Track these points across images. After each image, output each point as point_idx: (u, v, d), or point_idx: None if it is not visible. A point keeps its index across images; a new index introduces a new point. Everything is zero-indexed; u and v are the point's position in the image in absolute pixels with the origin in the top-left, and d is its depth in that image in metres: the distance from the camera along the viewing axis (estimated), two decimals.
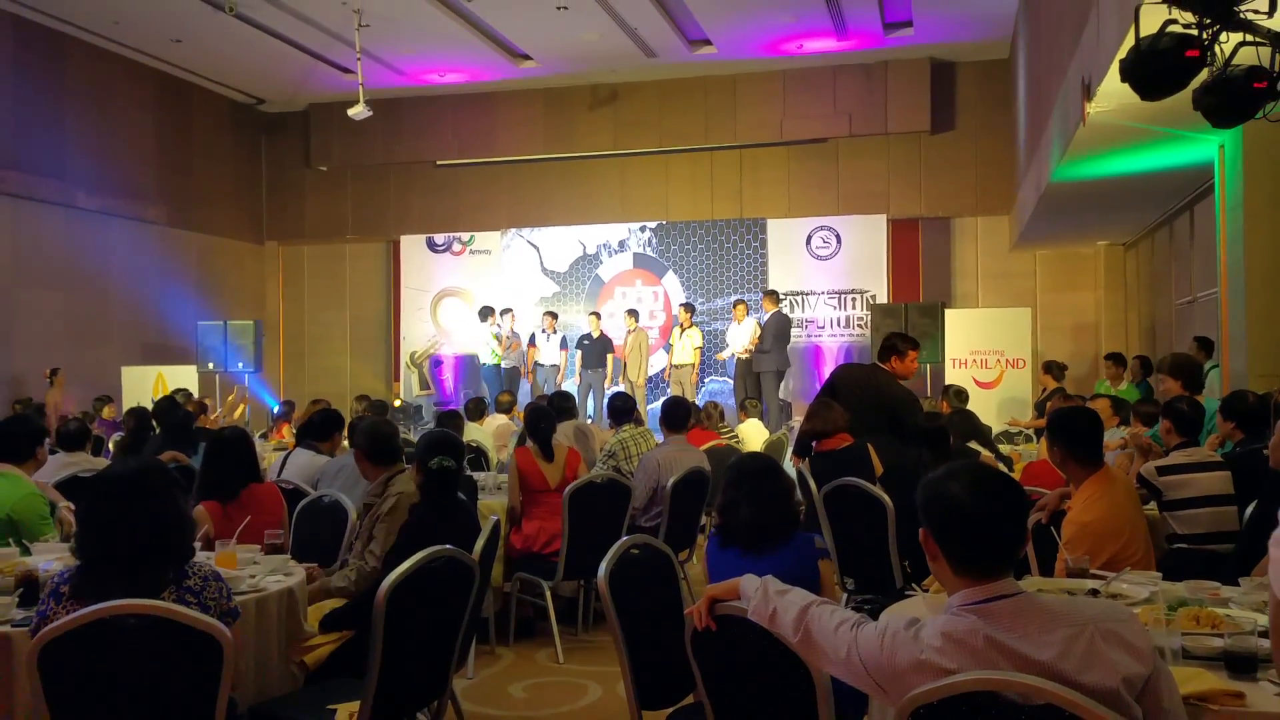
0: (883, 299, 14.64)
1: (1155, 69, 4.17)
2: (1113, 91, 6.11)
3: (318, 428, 6.21)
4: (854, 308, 15.00)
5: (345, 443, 6.60)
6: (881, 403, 6.20)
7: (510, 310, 15.02)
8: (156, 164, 15.26)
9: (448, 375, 16.28)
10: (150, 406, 9.51)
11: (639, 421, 7.56)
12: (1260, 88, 4.27)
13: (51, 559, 3.71)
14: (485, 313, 14.57)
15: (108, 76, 14.30)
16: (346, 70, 14.48)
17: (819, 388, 6.88)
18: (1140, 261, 13.86)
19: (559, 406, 8.13)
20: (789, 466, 6.60)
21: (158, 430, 7.79)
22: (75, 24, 13.24)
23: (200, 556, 3.00)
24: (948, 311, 13.18)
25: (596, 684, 5.12)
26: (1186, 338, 9.67)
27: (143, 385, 13.36)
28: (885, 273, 14.98)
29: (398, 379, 16.64)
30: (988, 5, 12.66)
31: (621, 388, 14.09)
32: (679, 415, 6.86)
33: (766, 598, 2.45)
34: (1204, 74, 4.30)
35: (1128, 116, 6.86)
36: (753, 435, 9.52)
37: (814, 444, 6.08)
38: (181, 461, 6.36)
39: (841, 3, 12.74)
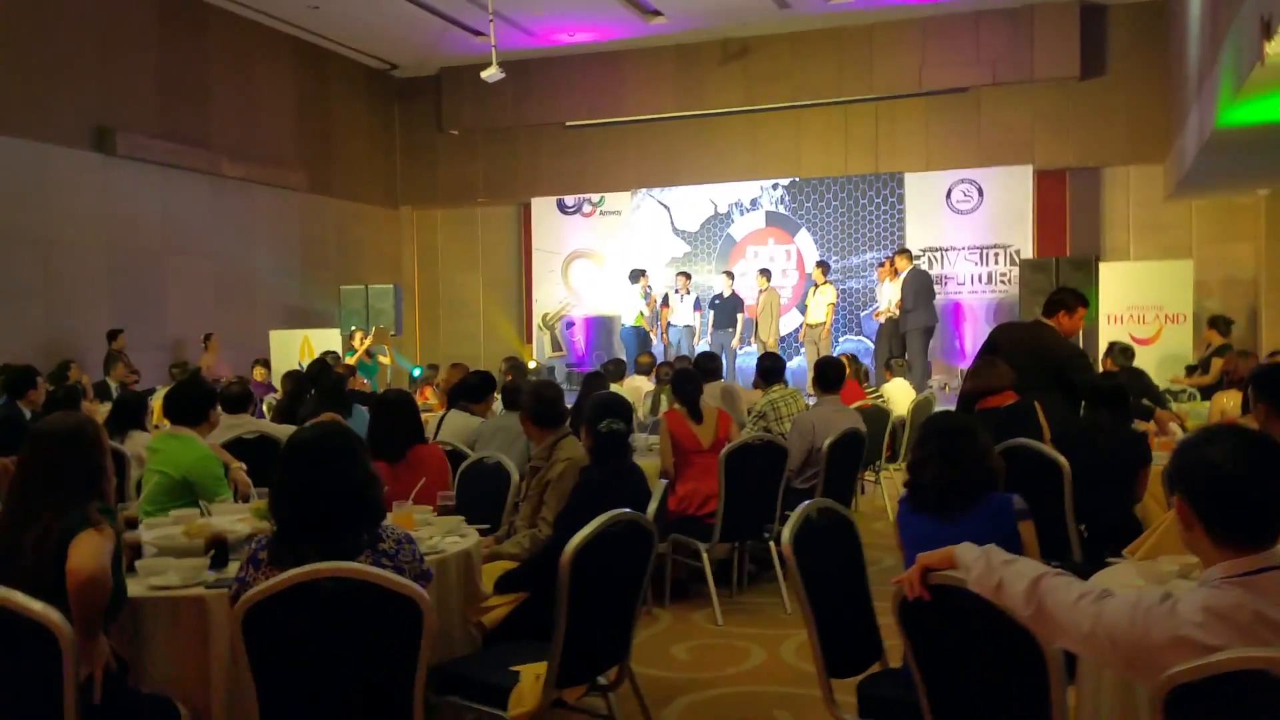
0: (1027, 253, 14.07)
1: None
2: None
3: (473, 389, 6.24)
4: (997, 263, 14.44)
5: (496, 405, 6.64)
6: (1048, 360, 5.88)
7: (644, 271, 14.99)
8: (296, 131, 15.61)
9: (579, 337, 16.35)
10: (299, 369, 9.76)
11: (787, 382, 7.40)
12: None
13: (233, 519, 3.78)
14: (636, 275, 14.55)
15: (248, 45, 14.62)
16: (477, 33, 14.52)
17: (960, 346, 6.61)
18: None
19: (705, 368, 8.03)
20: None
21: (312, 392, 7.94)
22: None
23: None
24: (1102, 265, 12.55)
25: (759, 647, 5.03)
26: None
27: (289, 348, 13.76)
28: (1030, 226, 14.38)
29: (529, 340, 16.79)
30: None
31: (753, 348, 13.92)
32: (833, 376, 6.69)
33: (990, 568, 2.31)
34: None
35: None
36: (899, 395, 9.25)
37: (975, 403, 5.84)
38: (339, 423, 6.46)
39: None
